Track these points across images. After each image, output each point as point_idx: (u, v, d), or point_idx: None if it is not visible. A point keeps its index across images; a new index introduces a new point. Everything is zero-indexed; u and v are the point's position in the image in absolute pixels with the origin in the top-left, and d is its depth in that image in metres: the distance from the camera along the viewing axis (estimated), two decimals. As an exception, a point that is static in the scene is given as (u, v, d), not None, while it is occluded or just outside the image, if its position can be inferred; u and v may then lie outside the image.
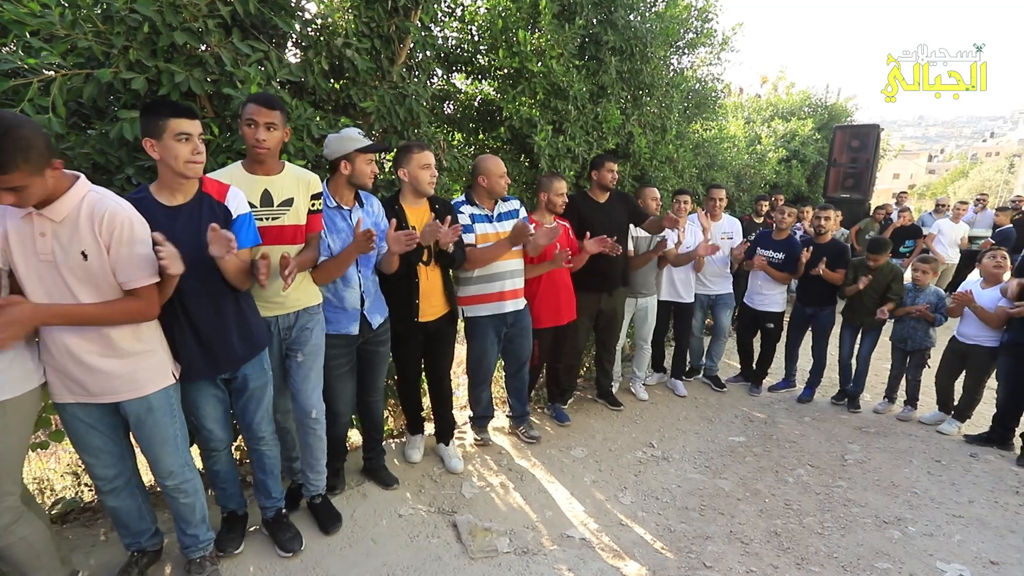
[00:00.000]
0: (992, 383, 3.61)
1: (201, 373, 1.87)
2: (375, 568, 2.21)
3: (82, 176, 1.56)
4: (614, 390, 4.03)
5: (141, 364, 1.71)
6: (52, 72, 1.90)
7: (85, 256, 1.54)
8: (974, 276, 3.81)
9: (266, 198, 2.01)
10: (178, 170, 1.68)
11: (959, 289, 3.68)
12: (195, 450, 2.15)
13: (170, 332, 1.80)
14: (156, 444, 1.80)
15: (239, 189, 1.89)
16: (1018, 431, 3.45)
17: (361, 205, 2.37)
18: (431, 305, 2.67)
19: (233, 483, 2.19)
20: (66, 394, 1.68)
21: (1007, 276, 3.62)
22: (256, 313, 2.01)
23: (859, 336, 4.09)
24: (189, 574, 2.01)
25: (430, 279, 2.65)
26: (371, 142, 2.26)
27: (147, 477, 2.05)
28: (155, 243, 1.57)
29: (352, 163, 2.23)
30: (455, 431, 3.14)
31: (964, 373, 3.73)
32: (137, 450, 1.98)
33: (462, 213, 2.81)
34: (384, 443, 2.90)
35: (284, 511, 2.31)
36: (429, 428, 3.18)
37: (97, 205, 1.54)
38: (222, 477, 2.15)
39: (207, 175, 1.87)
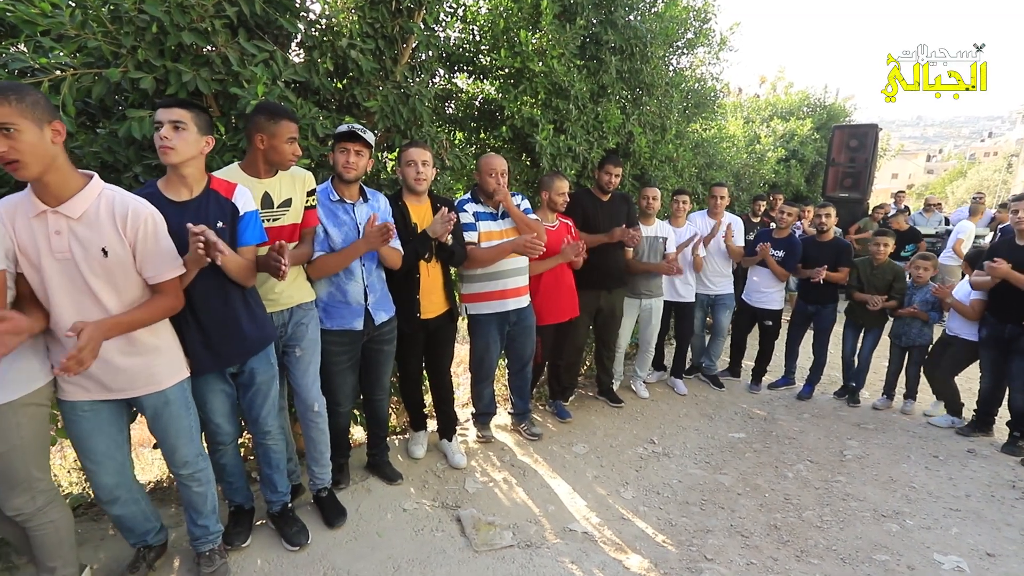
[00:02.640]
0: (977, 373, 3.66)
1: (207, 367, 1.90)
2: (380, 561, 2.24)
3: (95, 175, 1.58)
4: (615, 387, 4.06)
5: (158, 359, 1.74)
6: (62, 71, 1.93)
7: (105, 253, 1.55)
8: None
9: (266, 200, 2.04)
10: None
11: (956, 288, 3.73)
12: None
13: (177, 327, 1.83)
14: (172, 435, 1.83)
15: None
16: (1005, 420, 3.49)
17: (366, 200, 2.40)
18: (431, 302, 2.69)
19: (240, 477, 2.22)
20: (79, 392, 1.67)
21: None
22: (262, 307, 2.03)
23: (861, 334, 4.13)
24: (199, 567, 2.03)
25: (431, 276, 2.67)
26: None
27: (159, 471, 2.07)
28: (196, 234, 1.58)
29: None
30: (457, 427, 3.17)
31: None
32: (135, 459, 1.99)
33: (465, 211, 2.84)
34: (388, 439, 2.93)
35: (290, 505, 2.34)
36: (432, 425, 3.20)
37: (117, 202, 1.55)
38: (229, 471, 2.17)
39: (213, 174, 1.89)
